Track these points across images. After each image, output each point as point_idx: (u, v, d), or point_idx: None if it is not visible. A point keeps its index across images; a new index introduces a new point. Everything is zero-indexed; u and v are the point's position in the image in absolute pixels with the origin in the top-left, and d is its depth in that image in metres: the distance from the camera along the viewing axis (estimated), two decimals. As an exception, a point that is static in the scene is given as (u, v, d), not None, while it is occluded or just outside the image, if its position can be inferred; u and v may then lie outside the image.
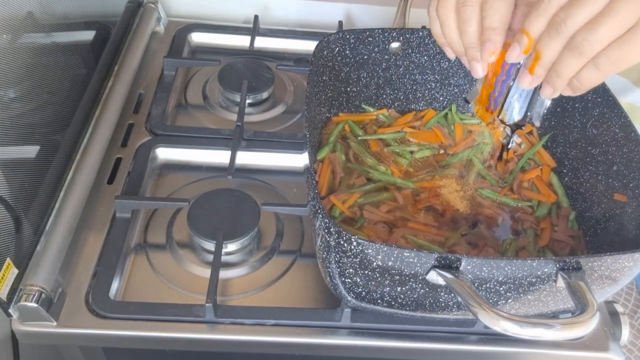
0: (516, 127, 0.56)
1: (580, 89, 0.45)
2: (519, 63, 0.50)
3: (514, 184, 0.73)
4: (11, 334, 0.61)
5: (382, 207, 0.68)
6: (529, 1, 0.49)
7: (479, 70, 0.51)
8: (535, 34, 0.45)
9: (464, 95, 0.56)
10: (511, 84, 0.53)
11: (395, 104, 0.80)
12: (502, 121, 0.56)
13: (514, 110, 0.54)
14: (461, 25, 0.48)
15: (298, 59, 0.95)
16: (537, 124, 0.55)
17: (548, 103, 0.53)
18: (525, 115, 0.55)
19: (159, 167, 0.77)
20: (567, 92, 0.47)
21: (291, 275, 0.66)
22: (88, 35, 0.80)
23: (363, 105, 0.79)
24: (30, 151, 0.63)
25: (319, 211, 0.51)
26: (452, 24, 0.50)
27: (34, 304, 0.56)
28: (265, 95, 0.87)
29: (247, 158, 0.78)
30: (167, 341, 0.60)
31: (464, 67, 0.77)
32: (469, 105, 0.57)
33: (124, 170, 0.74)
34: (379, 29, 0.73)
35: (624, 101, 0.86)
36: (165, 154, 0.78)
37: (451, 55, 0.54)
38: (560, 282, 0.49)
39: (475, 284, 0.50)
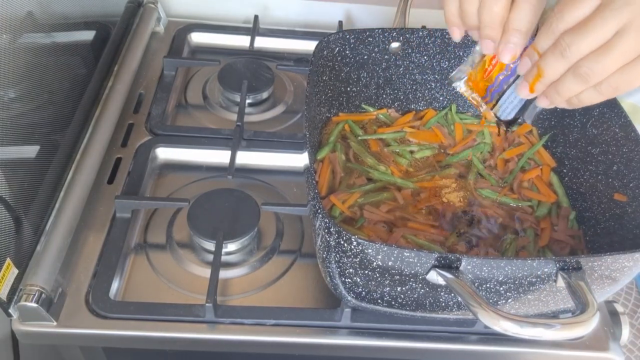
0: (508, 123, 0.56)
1: (577, 105, 0.47)
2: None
3: (514, 183, 0.73)
4: (11, 334, 0.61)
5: (382, 207, 0.68)
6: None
7: (491, 47, 0.50)
8: (543, 51, 0.46)
9: (449, 76, 0.56)
10: (510, 83, 0.53)
11: (395, 104, 0.80)
12: (495, 115, 0.56)
13: (508, 108, 0.55)
14: (487, 1, 0.47)
15: (298, 59, 0.95)
16: (529, 122, 0.55)
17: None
18: (517, 115, 0.55)
19: (159, 167, 0.77)
20: (563, 105, 0.48)
21: (291, 275, 0.66)
22: (88, 35, 0.80)
23: (363, 105, 0.79)
24: (30, 151, 0.63)
25: (319, 211, 0.51)
26: (475, 0, 0.48)
27: (34, 304, 0.56)
28: (265, 95, 0.87)
29: (247, 158, 0.78)
30: (167, 341, 0.60)
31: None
32: (453, 86, 0.57)
33: (124, 170, 0.74)
34: (379, 29, 0.73)
35: (627, 101, 0.86)
36: (165, 154, 0.78)
37: (457, 37, 0.53)
38: (560, 282, 0.49)
39: (475, 284, 0.50)
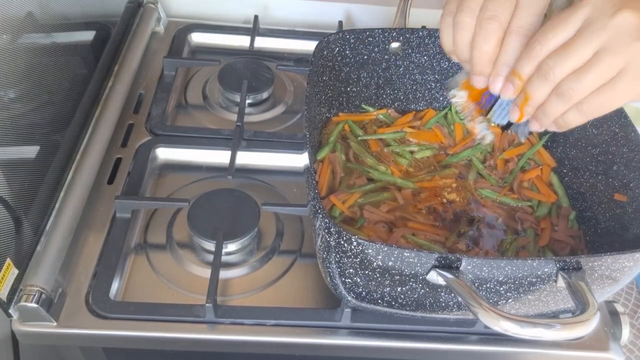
0: (503, 127, 0.57)
1: (564, 127, 0.48)
2: None
3: (514, 183, 0.73)
4: (11, 334, 0.61)
5: (382, 207, 0.68)
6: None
7: (481, 82, 0.52)
8: (526, 76, 0.47)
9: (445, 83, 0.58)
10: None
11: (395, 104, 0.80)
12: (489, 120, 0.57)
13: (502, 114, 0.56)
14: (477, 38, 0.49)
15: (298, 59, 0.95)
16: (523, 140, 0.57)
17: None
18: (509, 123, 0.56)
19: (159, 167, 0.77)
20: (552, 128, 0.50)
21: (291, 275, 0.66)
22: (88, 35, 0.80)
23: (363, 105, 0.79)
24: (30, 151, 0.63)
25: (319, 211, 0.51)
26: (467, 35, 0.49)
27: (34, 304, 0.56)
28: (265, 95, 0.87)
29: (247, 158, 0.78)
30: (167, 341, 0.60)
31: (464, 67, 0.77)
32: (447, 93, 0.58)
33: (124, 170, 0.74)
34: (379, 29, 0.73)
35: (632, 106, 0.86)
36: (165, 154, 0.78)
37: (456, 60, 0.55)
38: (561, 282, 0.49)
39: (476, 284, 0.50)
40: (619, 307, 0.65)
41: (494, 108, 0.56)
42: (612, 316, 0.64)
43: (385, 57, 0.75)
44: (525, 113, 0.49)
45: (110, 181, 0.73)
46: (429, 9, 0.99)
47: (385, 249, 0.47)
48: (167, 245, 0.68)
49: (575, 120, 0.47)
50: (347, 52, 0.73)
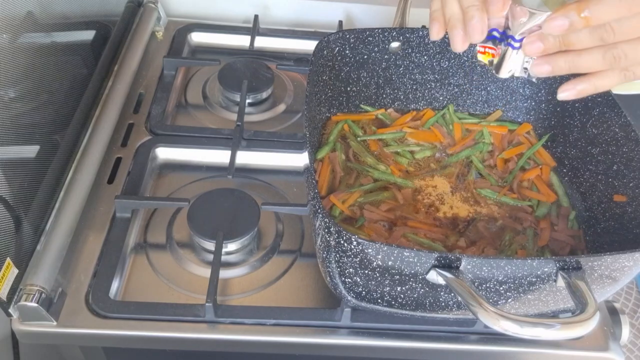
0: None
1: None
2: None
3: (514, 183, 0.73)
4: (11, 334, 0.61)
5: (382, 206, 0.68)
6: None
7: (459, 44, 0.51)
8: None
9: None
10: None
11: (395, 103, 0.80)
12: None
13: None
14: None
15: (298, 58, 0.95)
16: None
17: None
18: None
19: (159, 167, 0.77)
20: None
21: (291, 275, 0.66)
22: (88, 35, 0.80)
23: (362, 106, 0.79)
24: (30, 151, 0.63)
25: (319, 211, 0.51)
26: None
27: (34, 304, 0.56)
28: (265, 95, 0.87)
29: (247, 158, 0.78)
30: (167, 341, 0.60)
31: (464, 66, 0.77)
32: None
33: (124, 170, 0.74)
34: (379, 28, 0.73)
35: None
36: (165, 153, 0.78)
37: (435, 35, 0.54)
38: (561, 282, 0.49)
39: (475, 284, 0.50)
40: (619, 307, 0.65)
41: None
42: (612, 316, 0.64)
43: (385, 56, 0.75)
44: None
45: (110, 181, 0.73)
46: (429, 9, 0.99)
47: (385, 248, 0.48)
48: (167, 245, 0.68)
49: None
50: (347, 51, 0.73)
